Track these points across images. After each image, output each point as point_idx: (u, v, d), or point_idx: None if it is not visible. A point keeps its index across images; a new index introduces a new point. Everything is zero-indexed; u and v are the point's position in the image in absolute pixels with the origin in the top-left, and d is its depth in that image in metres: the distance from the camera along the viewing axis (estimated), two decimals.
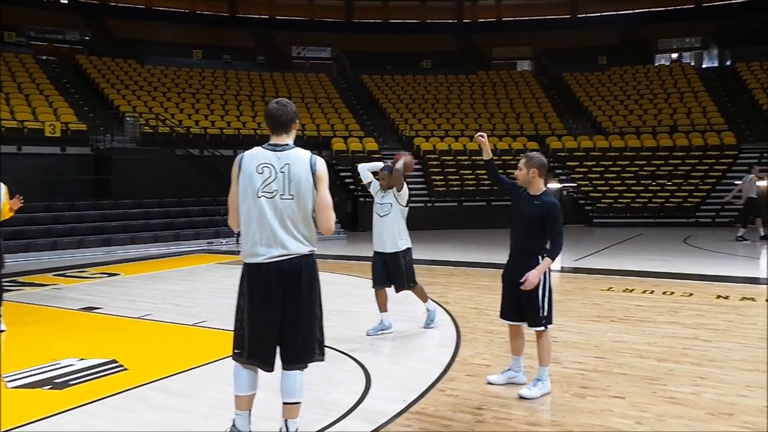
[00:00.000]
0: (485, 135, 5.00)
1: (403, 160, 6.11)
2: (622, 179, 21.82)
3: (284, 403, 3.54)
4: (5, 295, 9.18)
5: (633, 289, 8.75)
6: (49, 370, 5.26)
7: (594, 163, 22.60)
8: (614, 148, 23.24)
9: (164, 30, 27.69)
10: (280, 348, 3.49)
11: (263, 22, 31.20)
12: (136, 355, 5.83)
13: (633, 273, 10.33)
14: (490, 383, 4.74)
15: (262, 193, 3.39)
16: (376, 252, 6.32)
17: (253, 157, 3.45)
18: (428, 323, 6.56)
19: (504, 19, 31.89)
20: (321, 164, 3.51)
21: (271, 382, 3.76)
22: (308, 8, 31.85)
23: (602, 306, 7.68)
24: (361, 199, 20.45)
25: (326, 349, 3.67)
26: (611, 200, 21.05)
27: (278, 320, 3.43)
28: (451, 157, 22.65)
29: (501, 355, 5.46)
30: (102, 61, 24.68)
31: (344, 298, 8.34)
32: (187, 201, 17.61)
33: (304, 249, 3.47)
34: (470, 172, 21.79)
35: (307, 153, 3.52)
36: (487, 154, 4.95)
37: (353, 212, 20.43)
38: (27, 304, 8.50)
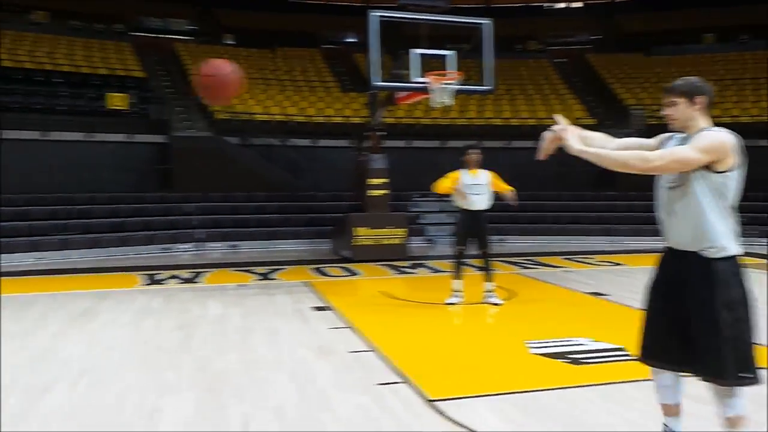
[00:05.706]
0: None
1: None
2: None
3: None
4: (525, 271, 10.60)
5: None
6: (565, 345, 5.76)
7: None
8: None
9: (671, 18, 26.63)
10: None
11: None
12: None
13: None
14: None
15: None
16: None
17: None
18: None
19: None
20: None
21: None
22: None
23: None
24: None
25: None
26: None
27: None
28: None
29: None
30: (608, 57, 25.46)
31: None
32: None
33: None
34: None
35: None
36: None
37: None
38: (544, 282, 9.62)
